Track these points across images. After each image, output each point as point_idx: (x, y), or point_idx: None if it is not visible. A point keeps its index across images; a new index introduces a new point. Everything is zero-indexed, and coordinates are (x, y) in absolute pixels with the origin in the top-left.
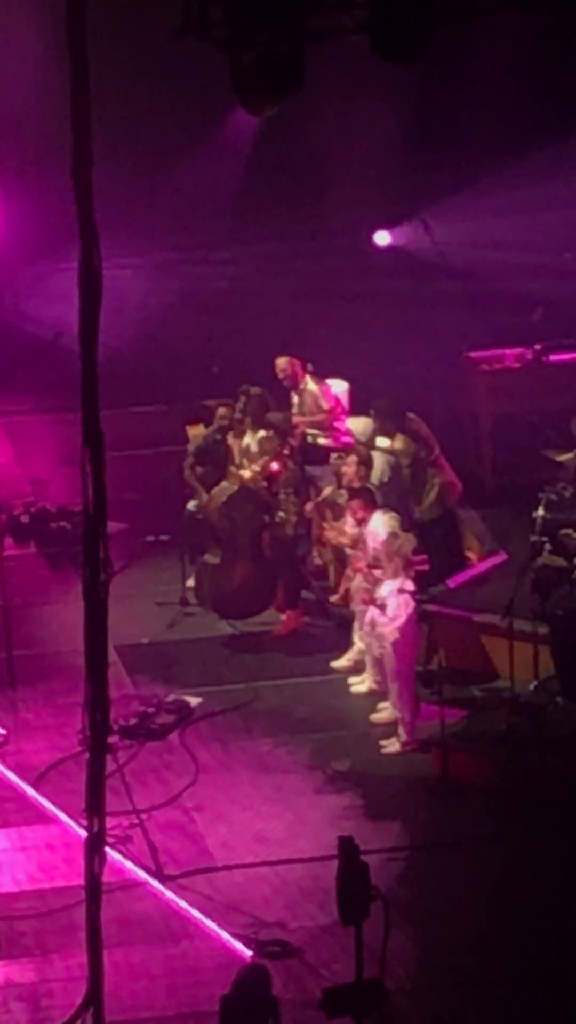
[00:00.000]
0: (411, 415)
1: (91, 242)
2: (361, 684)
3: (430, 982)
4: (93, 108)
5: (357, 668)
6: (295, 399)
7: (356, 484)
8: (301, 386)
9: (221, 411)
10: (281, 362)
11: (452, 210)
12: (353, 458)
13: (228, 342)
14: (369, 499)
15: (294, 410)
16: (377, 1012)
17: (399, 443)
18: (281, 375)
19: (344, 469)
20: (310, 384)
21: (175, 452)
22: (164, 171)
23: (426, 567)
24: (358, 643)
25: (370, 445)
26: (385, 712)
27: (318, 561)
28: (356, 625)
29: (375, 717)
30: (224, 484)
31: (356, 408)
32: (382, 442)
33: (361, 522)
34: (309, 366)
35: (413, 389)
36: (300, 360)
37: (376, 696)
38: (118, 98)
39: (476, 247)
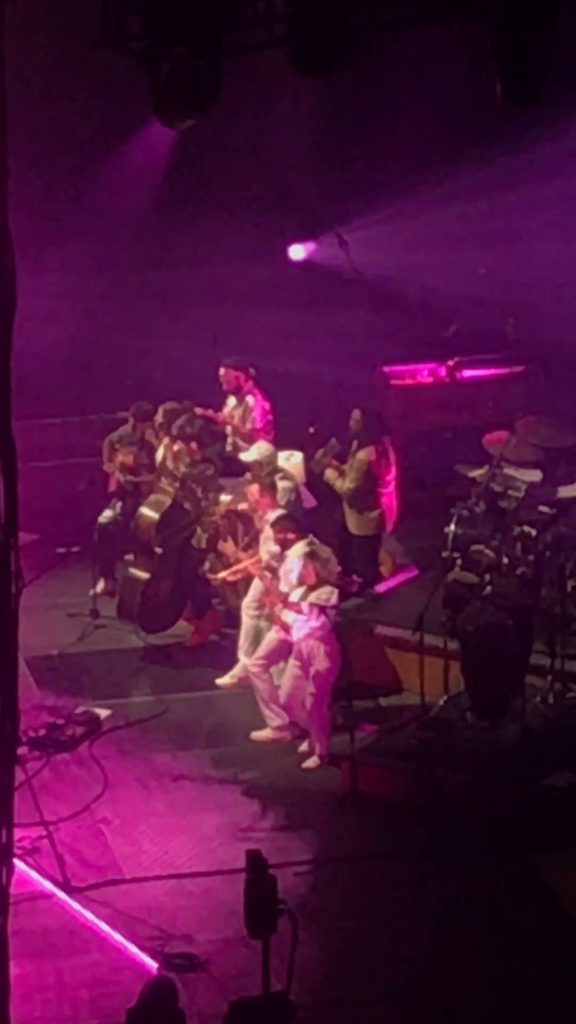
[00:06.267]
0: (386, 437)
1: (5, 250)
2: (224, 679)
3: (337, 996)
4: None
5: (242, 685)
6: (230, 403)
7: (272, 510)
8: (241, 397)
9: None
10: (221, 371)
11: (369, 223)
12: (255, 486)
13: (142, 356)
14: (296, 525)
15: (225, 410)
16: None
17: (362, 455)
18: (222, 382)
19: (249, 493)
20: (250, 400)
21: (86, 464)
22: (78, 181)
23: (356, 587)
24: (243, 659)
25: (272, 470)
26: (264, 731)
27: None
28: (240, 642)
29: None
30: (155, 497)
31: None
32: (285, 461)
33: (286, 545)
34: (252, 371)
35: (326, 401)
36: (243, 369)
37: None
38: (32, 105)
39: (393, 258)
